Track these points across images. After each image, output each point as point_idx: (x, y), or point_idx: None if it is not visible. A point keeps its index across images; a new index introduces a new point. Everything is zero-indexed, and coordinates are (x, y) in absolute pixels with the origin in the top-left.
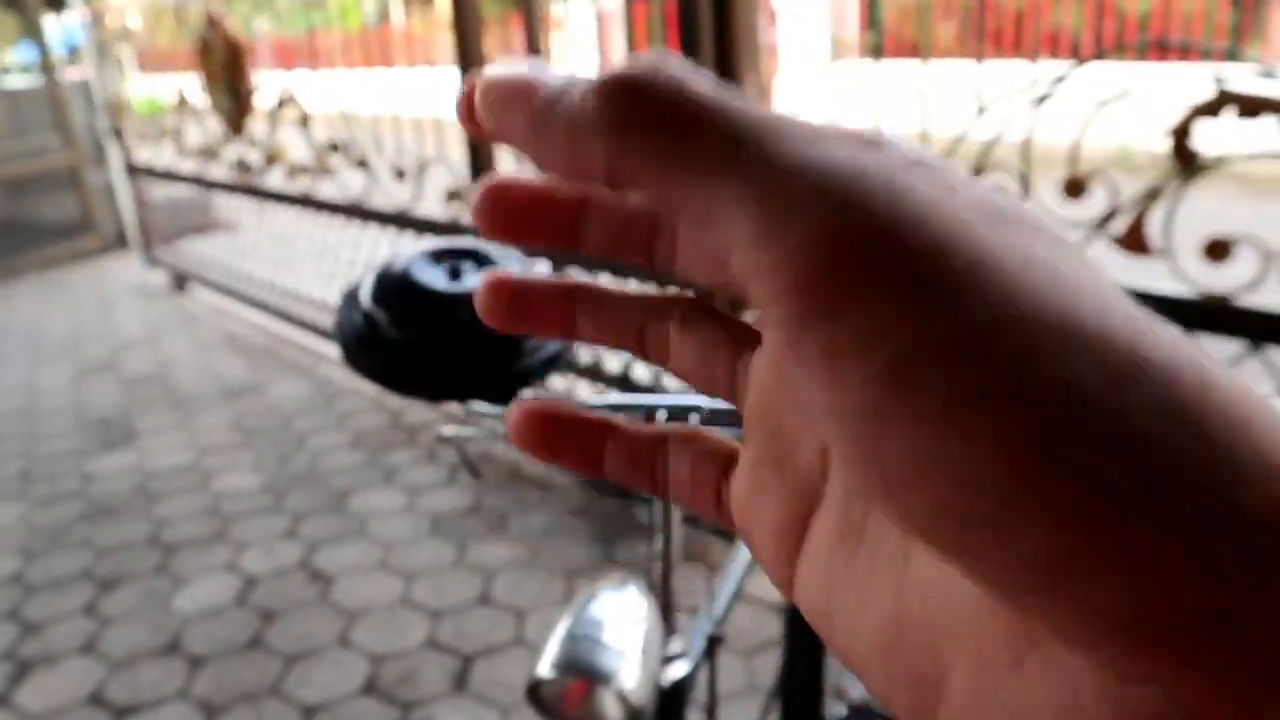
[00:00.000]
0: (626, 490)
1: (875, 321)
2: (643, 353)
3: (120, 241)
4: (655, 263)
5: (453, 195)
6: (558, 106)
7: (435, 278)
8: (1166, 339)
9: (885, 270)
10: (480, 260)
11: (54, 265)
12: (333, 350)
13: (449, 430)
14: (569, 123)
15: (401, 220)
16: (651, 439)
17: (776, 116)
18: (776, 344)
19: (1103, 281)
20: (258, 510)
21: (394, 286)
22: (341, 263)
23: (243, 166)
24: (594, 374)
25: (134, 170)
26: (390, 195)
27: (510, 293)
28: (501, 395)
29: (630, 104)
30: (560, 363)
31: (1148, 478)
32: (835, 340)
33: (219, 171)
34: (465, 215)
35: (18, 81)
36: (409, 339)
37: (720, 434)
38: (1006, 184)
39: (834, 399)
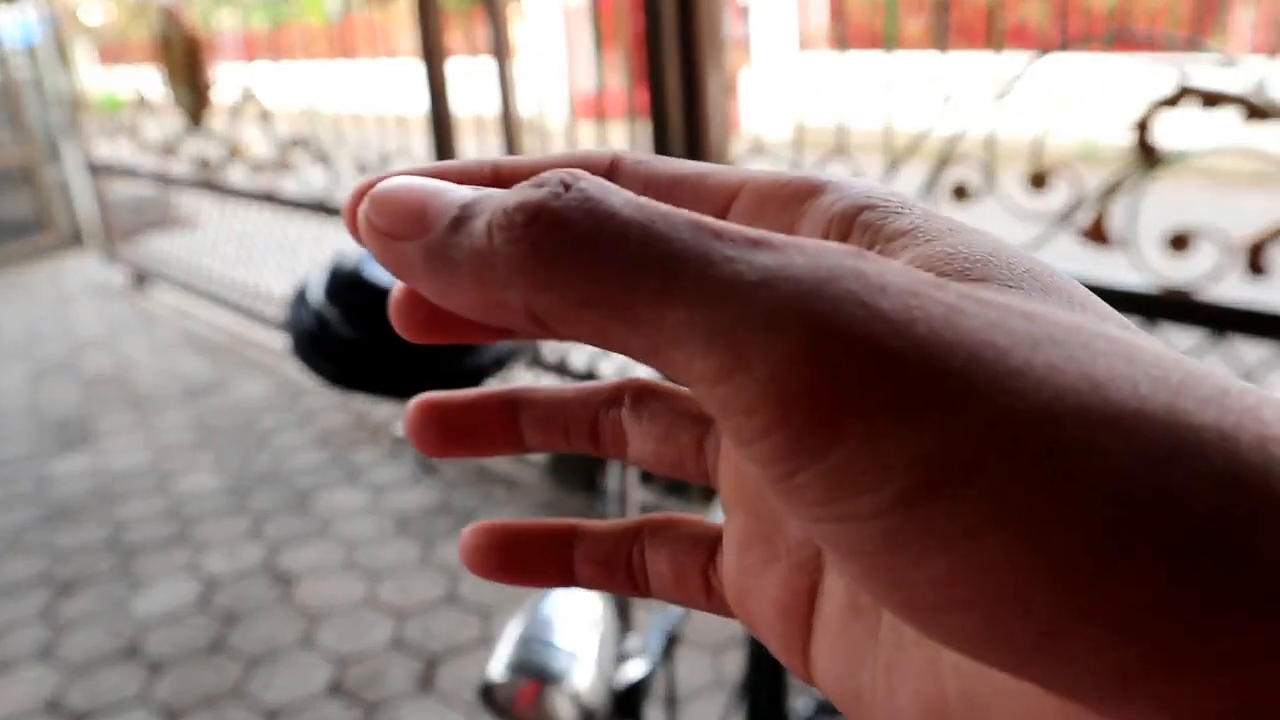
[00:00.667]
0: (593, 486)
1: (875, 449)
2: (600, 449)
3: (76, 239)
4: None
5: None
6: (458, 240)
7: (387, 274)
8: (1210, 390)
9: (875, 390)
10: None
11: (8, 263)
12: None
13: (404, 429)
14: (474, 261)
15: None
16: (623, 534)
17: (715, 225)
18: (760, 475)
19: (1118, 333)
20: (219, 511)
21: (345, 284)
22: (304, 259)
23: (203, 163)
24: (559, 369)
25: (93, 167)
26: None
27: (442, 415)
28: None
29: (545, 234)
30: (514, 359)
31: (1218, 563)
32: (830, 476)
33: (179, 167)
34: None
35: None
36: (361, 336)
37: (697, 518)
38: (971, 177)
39: (839, 531)
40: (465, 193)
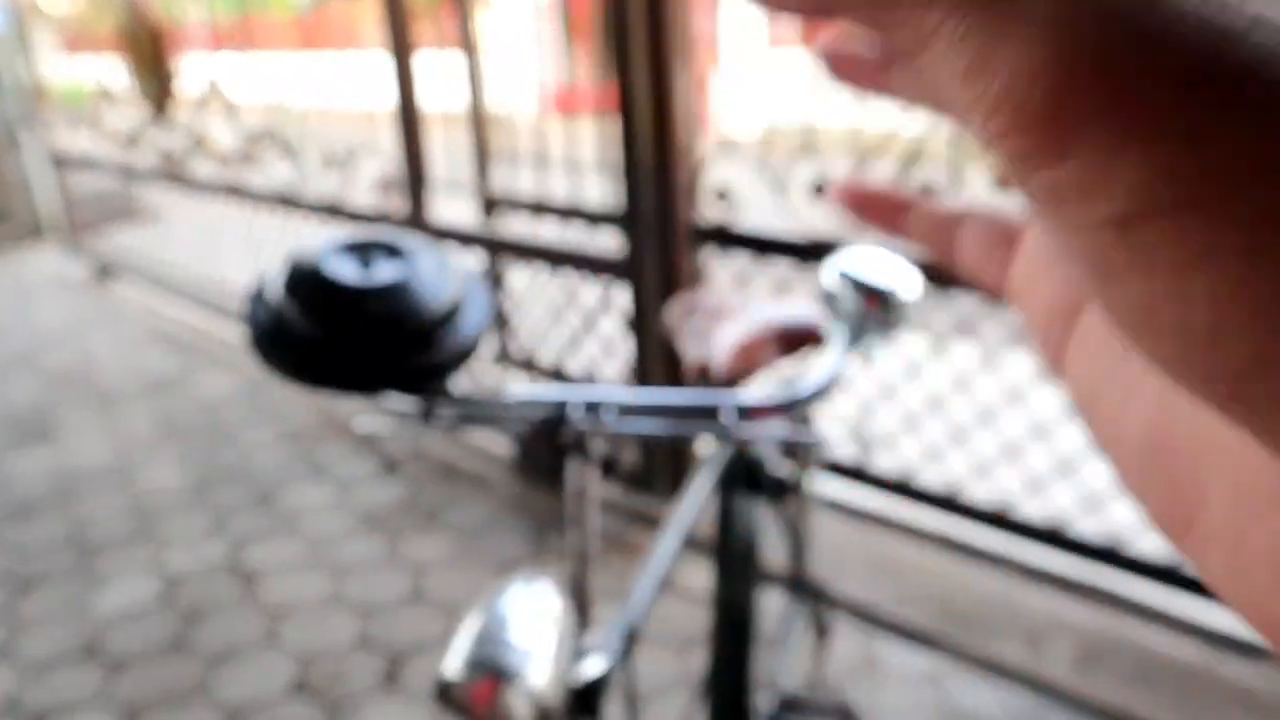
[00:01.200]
0: (558, 482)
1: (1101, 164)
2: (949, 258)
3: (36, 231)
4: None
5: (384, 184)
6: None
7: (346, 270)
8: None
9: (1111, 112)
10: (392, 252)
11: None
12: None
13: (363, 425)
14: None
15: (331, 210)
16: (950, 214)
17: None
18: (1010, 176)
19: None
20: (182, 507)
21: (304, 279)
22: (270, 254)
23: (167, 155)
24: (527, 365)
25: (54, 158)
26: (321, 185)
27: (862, 197)
28: (414, 388)
29: None
30: (471, 355)
31: None
32: (1059, 183)
33: (144, 159)
34: (397, 204)
35: None
36: (319, 332)
37: (1013, 215)
38: (938, 176)
39: (1061, 240)
40: None
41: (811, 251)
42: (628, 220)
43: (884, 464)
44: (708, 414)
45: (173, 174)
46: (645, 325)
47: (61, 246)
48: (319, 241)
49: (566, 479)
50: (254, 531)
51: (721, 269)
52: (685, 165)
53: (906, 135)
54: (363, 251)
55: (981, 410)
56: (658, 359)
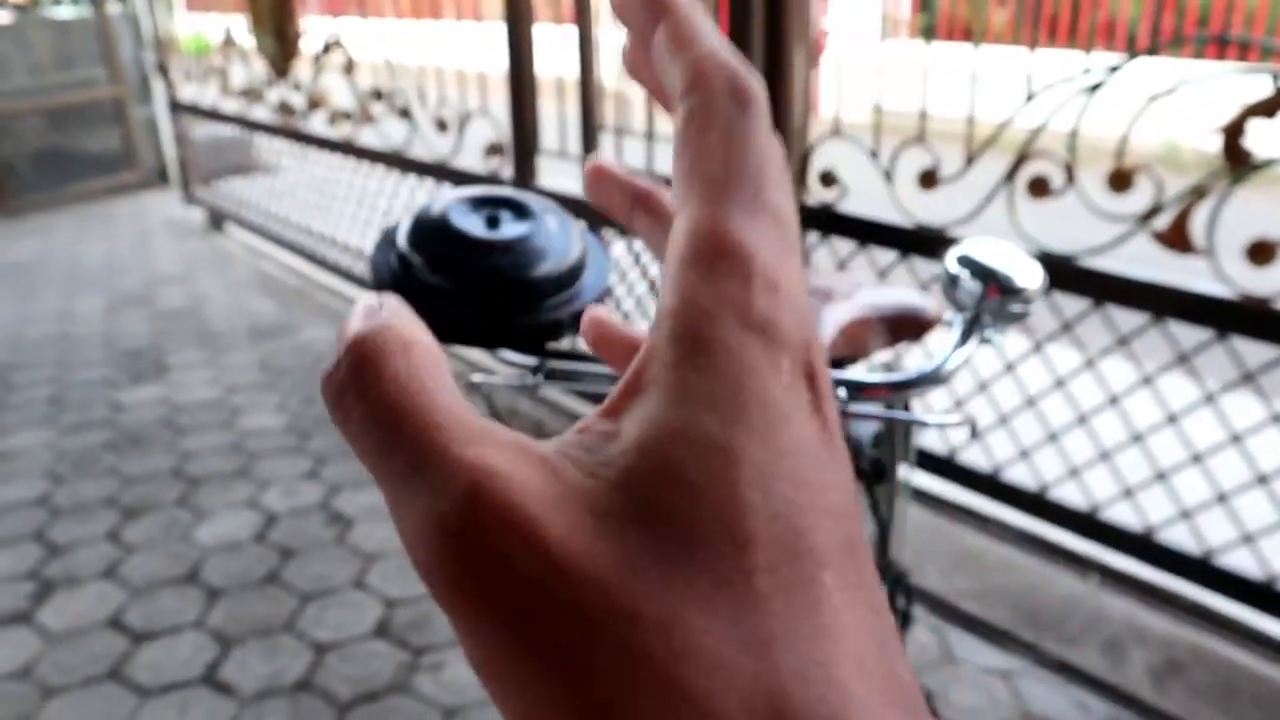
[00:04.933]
0: None
1: (454, 622)
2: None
3: (161, 177)
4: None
5: (493, 149)
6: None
7: (473, 224)
8: None
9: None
10: (518, 210)
11: (94, 198)
12: (365, 296)
13: (478, 378)
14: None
15: (440, 172)
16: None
17: (439, 420)
18: None
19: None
20: (281, 450)
21: (431, 231)
22: (378, 211)
23: (285, 109)
24: None
25: (177, 107)
26: (431, 146)
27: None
28: (532, 346)
29: (340, 396)
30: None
31: None
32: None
33: (262, 113)
34: (505, 169)
35: (66, 12)
36: (444, 284)
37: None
38: (1051, 172)
39: None
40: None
41: (916, 240)
42: None
43: (974, 458)
44: None
45: (289, 129)
46: None
47: (181, 193)
48: (447, 194)
49: None
50: (348, 478)
51: (824, 253)
52: (796, 146)
53: (1020, 127)
54: (489, 206)
55: (1077, 414)
56: None
